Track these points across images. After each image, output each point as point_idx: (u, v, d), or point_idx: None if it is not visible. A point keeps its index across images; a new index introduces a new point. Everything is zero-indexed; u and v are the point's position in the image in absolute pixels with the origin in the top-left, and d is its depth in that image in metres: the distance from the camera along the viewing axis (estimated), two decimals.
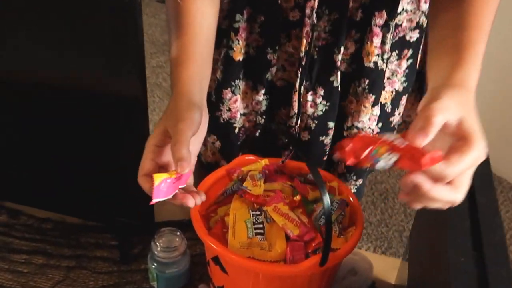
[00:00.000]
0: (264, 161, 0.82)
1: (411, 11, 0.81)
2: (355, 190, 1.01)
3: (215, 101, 0.90)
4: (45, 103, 0.85)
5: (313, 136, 0.91)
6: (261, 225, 0.71)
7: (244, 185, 0.76)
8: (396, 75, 0.87)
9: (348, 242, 0.69)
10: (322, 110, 0.88)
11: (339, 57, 0.82)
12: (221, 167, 0.82)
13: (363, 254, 0.88)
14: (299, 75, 0.84)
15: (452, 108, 0.53)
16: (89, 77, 0.80)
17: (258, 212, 0.72)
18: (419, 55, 0.88)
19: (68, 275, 0.86)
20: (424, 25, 0.84)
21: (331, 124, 0.90)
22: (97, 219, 0.96)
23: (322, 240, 0.70)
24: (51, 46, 0.79)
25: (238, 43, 0.84)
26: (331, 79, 0.85)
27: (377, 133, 0.92)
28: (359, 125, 0.89)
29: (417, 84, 0.92)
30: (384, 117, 0.91)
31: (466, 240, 0.58)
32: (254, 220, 0.71)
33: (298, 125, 0.90)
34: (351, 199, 0.77)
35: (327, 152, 0.94)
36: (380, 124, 0.92)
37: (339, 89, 0.86)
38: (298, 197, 0.74)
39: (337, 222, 0.73)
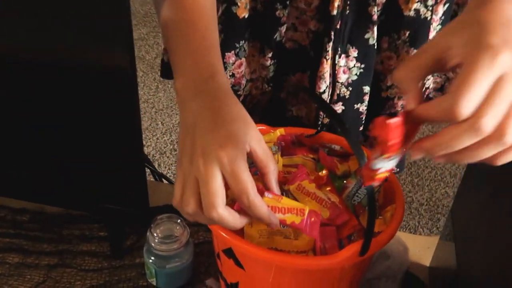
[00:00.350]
0: (280, 131, 0.69)
1: None
2: None
3: None
4: (26, 78, 0.71)
5: (348, 105, 0.78)
6: None
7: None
8: (432, 23, 0.74)
9: (390, 225, 0.57)
10: (356, 74, 0.76)
11: (375, 9, 0.69)
12: None
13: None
14: (332, 38, 0.71)
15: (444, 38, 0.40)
16: (72, 51, 0.66)
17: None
18: None
19: (50, 275, 0.73)
20: None
21: (366, 89, 0.78)
22: (82, 207, 0.82)
23: (357, 223, 0.58)
24: (35, 19, 0.65)
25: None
26: (366, 36, 0.72)
27: None
28: None
29: None
30: None
31: None
32: None
33: (329, 97, 0.78)
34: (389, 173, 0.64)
35: (363, 122, 0.82)
36: None
37: (375, 46, 0.73)
38: (324, 172, 0.61)
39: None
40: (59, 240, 0.78)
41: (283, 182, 0.59)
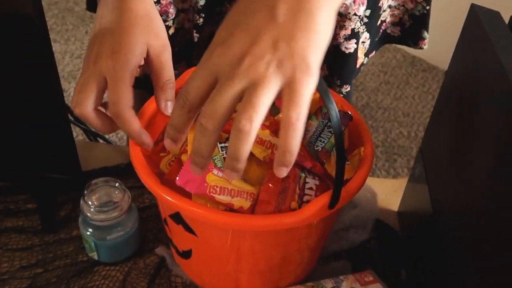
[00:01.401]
0: None
1: None
2: None
3: None
4: None
5: None
6: None
7: (202, 108, 0.53)
8: None
9: (360, 170, 0.50)
10: None
11: None
12: None
13: None
14: None
15: None
16: None
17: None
18: None
19: None
20: None
21: None
22: (3, 176, 0.71)
23: (324, 172, 0.50)
24: None
25: None
26: None
27: (356, 31, 0.71)
28: (342, 10, 0.68)
29: None
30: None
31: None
32: (225, 155, 0.49)
33: None
34: (350, 111, 0.57)
35: None
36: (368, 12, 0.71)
37: None
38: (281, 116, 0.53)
39: None
40: None
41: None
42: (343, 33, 0.71)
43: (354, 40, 0.72)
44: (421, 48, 0.80)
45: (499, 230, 0.39)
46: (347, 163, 0.52)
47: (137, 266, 0.63)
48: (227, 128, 0.51)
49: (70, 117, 0.83)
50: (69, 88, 1.88)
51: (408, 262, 0.63)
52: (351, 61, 0.74)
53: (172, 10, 0.68)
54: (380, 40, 0.80)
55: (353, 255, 0.63)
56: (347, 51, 0.73)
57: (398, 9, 0.78)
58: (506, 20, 0.49)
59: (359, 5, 0.68)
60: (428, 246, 0.56)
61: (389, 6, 0.77)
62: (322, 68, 0.72)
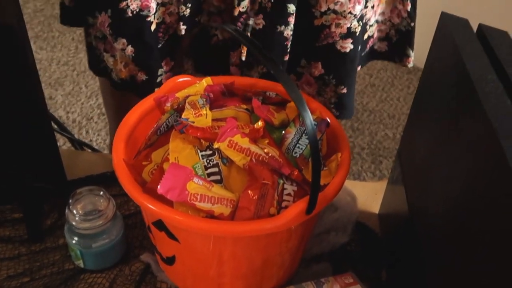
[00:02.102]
0: (206, 81, 0.60)
1: None
2: (336, 101, 0.79)
3: None
4: None
5: (269, 23, 0.68)
6: (217, 169, 0.50)
7: (183, 116, 0.54)
8: None
9: (337, 175, 0.51)
10: None
11: None
12: (149, 96, 0.60)
13: None
14: None
15: None
16: None
17: (209, 152, 0.51)
18: None
19: None
20: None
21: (291, 8, 0.67)
22: None
23: (302, 178, 0.52)
24: None
25: None
26: None
27: (352, 31, 0.72)
28: (337, 7, 0.68)
29: None
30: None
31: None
32: (206, 163, 0.50)
33: (248, 7, 0.67)
34: (328, 118, 0.58)
35: (288, 50, 0.72)
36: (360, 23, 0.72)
37: None
38: (260, 124, 0.54)
39: None
40: None
41: (213, 139, 0.52)
42: (339, 31, 0.71)
43: (351, 40, 0.72)
44: (405, 65, 0.81)
45: (473, 231, 0.41)
46: (324, 168, 0.53)
47: (123, 273, 0.64)
48: (209, 136, 0.53)
49: (55, 125, 0.84)
50: (55, 96, 1.88)
51: (389, 263, 0.64)
52: (347, 61, 0.74)
53: (153, 5, 0.67)
54: (367, 55, 0.82)
55: (335, 257, 0.65)
56: (342, 50, 0.73)
57: (385, 24, 0.79)
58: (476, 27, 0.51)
59: (355, 3, 0.68)
60: (406, 247, 0.58)
61: (376, 21, 0.78)
62: (316, 67, 0.74)
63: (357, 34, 0.72)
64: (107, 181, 0.73)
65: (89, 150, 0.86)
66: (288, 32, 0.69)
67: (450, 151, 0.48)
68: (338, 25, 0.70)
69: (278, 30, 0.68)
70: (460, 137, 0.46)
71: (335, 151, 0.56)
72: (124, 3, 0.65)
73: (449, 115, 0.49)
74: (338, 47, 0.72)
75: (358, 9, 0.69)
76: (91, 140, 1.68)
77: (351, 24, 0.70)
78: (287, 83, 0.42)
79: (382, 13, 0.78)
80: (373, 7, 0.74)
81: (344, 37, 0.71)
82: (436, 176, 0.51)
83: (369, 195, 0.76)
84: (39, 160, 0.65)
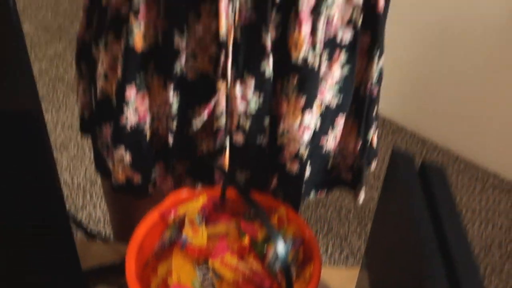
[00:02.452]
0: (202, 198, 0.72)
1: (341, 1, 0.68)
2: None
3: (117, 105, 0.74)
4: None
5: (249, 138, 0.76)
6: (211, 286, 0.62)
7: (184, 233, 0.66)
8: (327, 82, 0.74)
9: (309, 285, 0.62)
10: (256, 103, 0.73)
11: (268, 40, 0.68)
12: (153, 210, 0.72)
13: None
14: (221, 61, 0.68)
15: None
16: None
17: (205, 270, 0.63)
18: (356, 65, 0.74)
19: None
20: (359, 24, 0.74)
21: (267, 121, 0.75)
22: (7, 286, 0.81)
23: None
24: None
25: (140, 28, 0.68)
26: (262, 67, 0.70)
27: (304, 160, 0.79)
28: (290, 134, 0.75)
29: (353, 106, 0.78)
30: (312, 138, 0.77)
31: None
32: (202, 280, 0.62)
33: (227, 126, 0.74)
34: (305, 232, 0.70)
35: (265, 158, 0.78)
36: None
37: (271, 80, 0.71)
38: (246, 240, 0.66)
39: (293, 263, 0.66)
40: None
41: (208, 256, 0.63)
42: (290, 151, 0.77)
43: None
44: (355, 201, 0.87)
45: None
46: (300, 279, 0.65)
47: None
48: (205, 253, 0.64)
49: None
50: (61, 159, 2.00)
51: None
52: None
53: (148, 119, 0.75)
54: (332, 181, 0.87)
55: None
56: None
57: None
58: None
59: (304, 133, 0.74)
60: None
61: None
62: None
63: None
64: (118, 270, 0.83)
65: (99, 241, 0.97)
66: (265, 142, 0.77)
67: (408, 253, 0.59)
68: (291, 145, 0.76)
69: (258, 143, 0.76)
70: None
71: (310, 258, 0.67)
72: (123, 117, 0.73)
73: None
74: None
75: (305, 139, 0.75)
76: (94, 206, 1.79)
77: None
78: (262, 218, 0.54)
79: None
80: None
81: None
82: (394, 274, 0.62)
83: (345, 281, 0.86)
84: (56, 253, 0.73)
